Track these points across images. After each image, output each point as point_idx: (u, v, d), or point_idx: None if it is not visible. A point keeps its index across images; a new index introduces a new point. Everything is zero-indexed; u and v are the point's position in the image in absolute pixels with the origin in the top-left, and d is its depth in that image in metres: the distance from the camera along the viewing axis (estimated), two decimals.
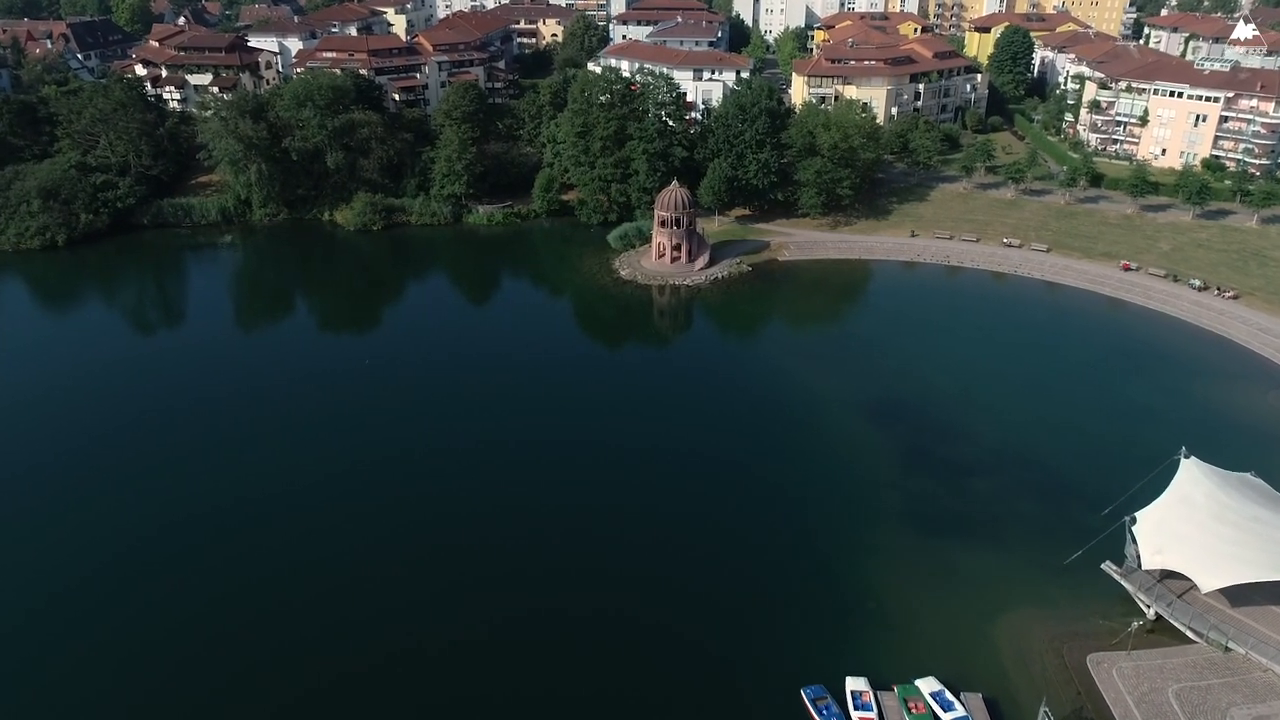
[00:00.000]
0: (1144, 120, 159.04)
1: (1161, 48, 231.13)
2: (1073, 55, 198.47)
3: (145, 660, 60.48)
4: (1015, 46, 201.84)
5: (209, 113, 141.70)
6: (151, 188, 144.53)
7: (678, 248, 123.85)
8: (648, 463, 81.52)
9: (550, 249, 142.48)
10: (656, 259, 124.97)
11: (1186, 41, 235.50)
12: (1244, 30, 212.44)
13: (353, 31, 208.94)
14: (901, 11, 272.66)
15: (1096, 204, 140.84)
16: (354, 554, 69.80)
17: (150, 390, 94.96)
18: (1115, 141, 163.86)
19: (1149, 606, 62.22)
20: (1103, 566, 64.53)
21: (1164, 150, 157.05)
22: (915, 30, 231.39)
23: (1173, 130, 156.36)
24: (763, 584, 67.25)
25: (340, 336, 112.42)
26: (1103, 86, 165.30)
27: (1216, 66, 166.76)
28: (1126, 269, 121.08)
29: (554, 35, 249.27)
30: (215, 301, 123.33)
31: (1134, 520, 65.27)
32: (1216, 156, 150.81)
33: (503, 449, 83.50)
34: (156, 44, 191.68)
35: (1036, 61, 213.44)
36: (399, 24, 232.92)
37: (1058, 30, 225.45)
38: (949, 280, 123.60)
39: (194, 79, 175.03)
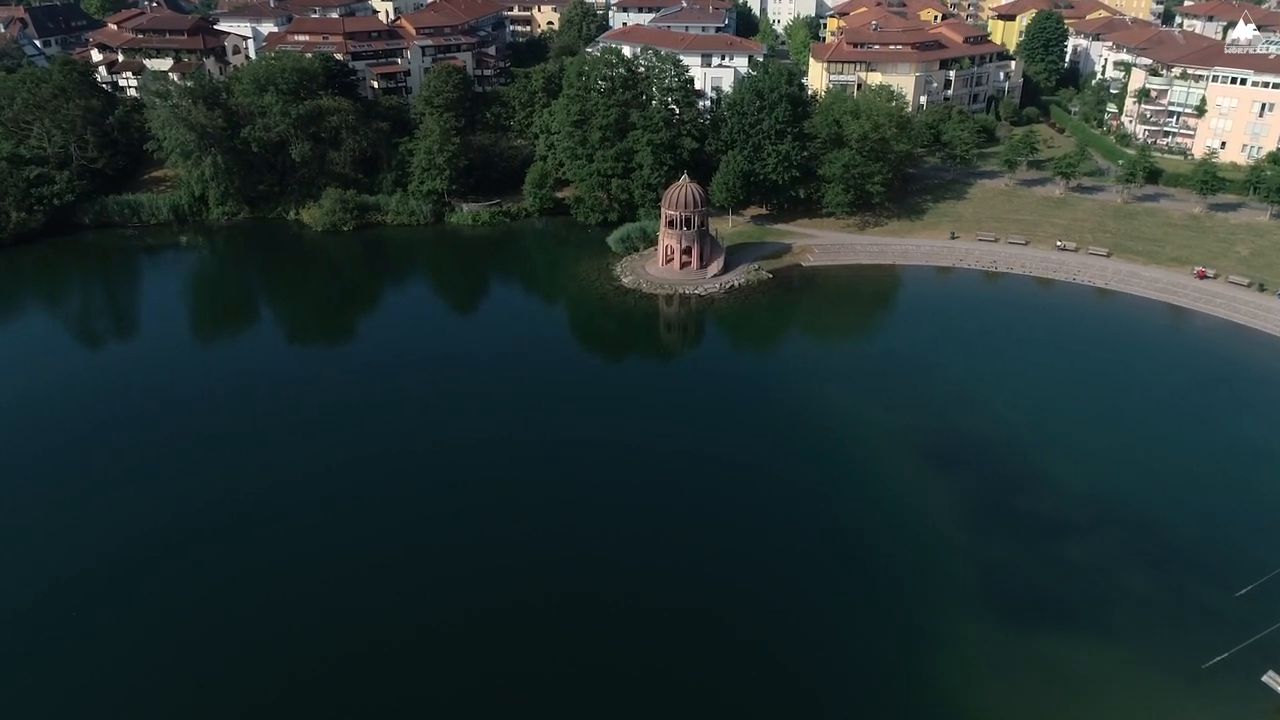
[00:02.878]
0: (1200, 110, 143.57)
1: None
2: (1110, 42, 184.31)
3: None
4: (1048, 33, 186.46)
5: (157, 98, 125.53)
6: (97, 183, 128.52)
7: (688, 251, 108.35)
8: (655, 531, 65.77)
9: (543, 253, 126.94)
10: (664, 264, 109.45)
11: (1225, 30, 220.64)
12: None
13: (335, 16, 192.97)
14: None
15: (1157, 202, 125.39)
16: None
17: (90, 405, 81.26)
18: (1167, 134, 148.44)
19: None
20: (1265, 679, 49.12)
21: (1223, 143, 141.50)
22: (936, 17, 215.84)
23: (1234, 121, 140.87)
24: (814, 699, 51.75)
25: (298, 359, 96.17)
26: (1152, 74, 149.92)
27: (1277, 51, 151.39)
28: (1203, 276, 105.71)
29: (550, 23, 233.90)
30: (157, 313, 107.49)
31: None
32: None
33: (474, 515, 67.98)
34: (114, 27, 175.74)
35: (1068, 50, 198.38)
36: (385, 9, 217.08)
37: (1088, 17, 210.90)
38: (998, 289, 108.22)
39: (153, 64, 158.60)
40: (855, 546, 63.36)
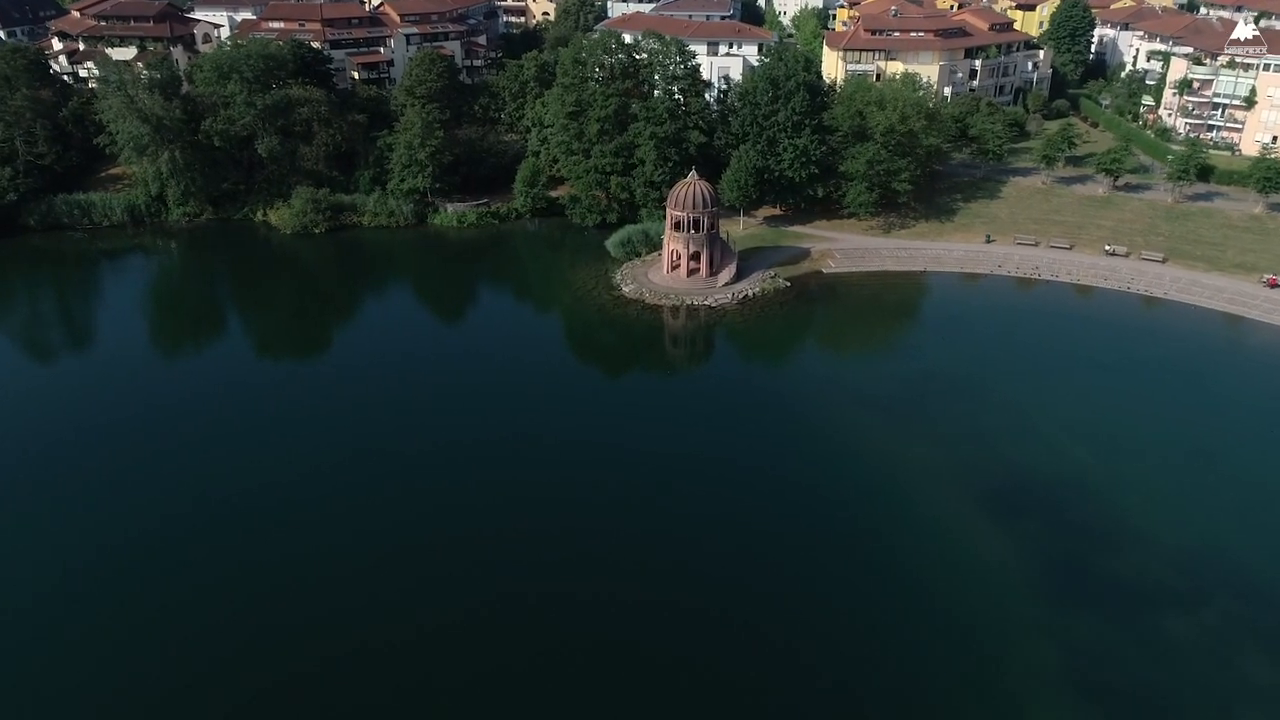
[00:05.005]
0: (1250, 102, 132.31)
1: None
2: (1140, 31, 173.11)
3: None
4: (1074, 22, 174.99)
5: (110, 87, 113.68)
6: (46, 181, 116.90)
7: (696, 257, 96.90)
8: (664, 594, 54.31)
9: (535, 258, 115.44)
10: (669, 271, 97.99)
11: (1256, 19, 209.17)
12: None
13: (313, 1, 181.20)
14: None
15: (1211, 201, 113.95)
16: None
17: (44, 420, 72.82)
18: (1211, 128, 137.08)
19: None
20: None
21: (1275, 137, 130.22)
22: (953, 5, 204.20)
23: None
24: None
25: (258, 380, 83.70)
26: (1195, 63, 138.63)
27: None
28: (1274, 285, 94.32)
29: (545, 14, 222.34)
30: (104, 324, 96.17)
31: None
32: None
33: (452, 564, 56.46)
34: (77, 14, 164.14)
35: (1094, 40, 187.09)
36: None
37: (1113, 6, 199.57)
38: (1044, 299, 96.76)
39: (116, 53, 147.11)
40: (907, 620, 51.81)
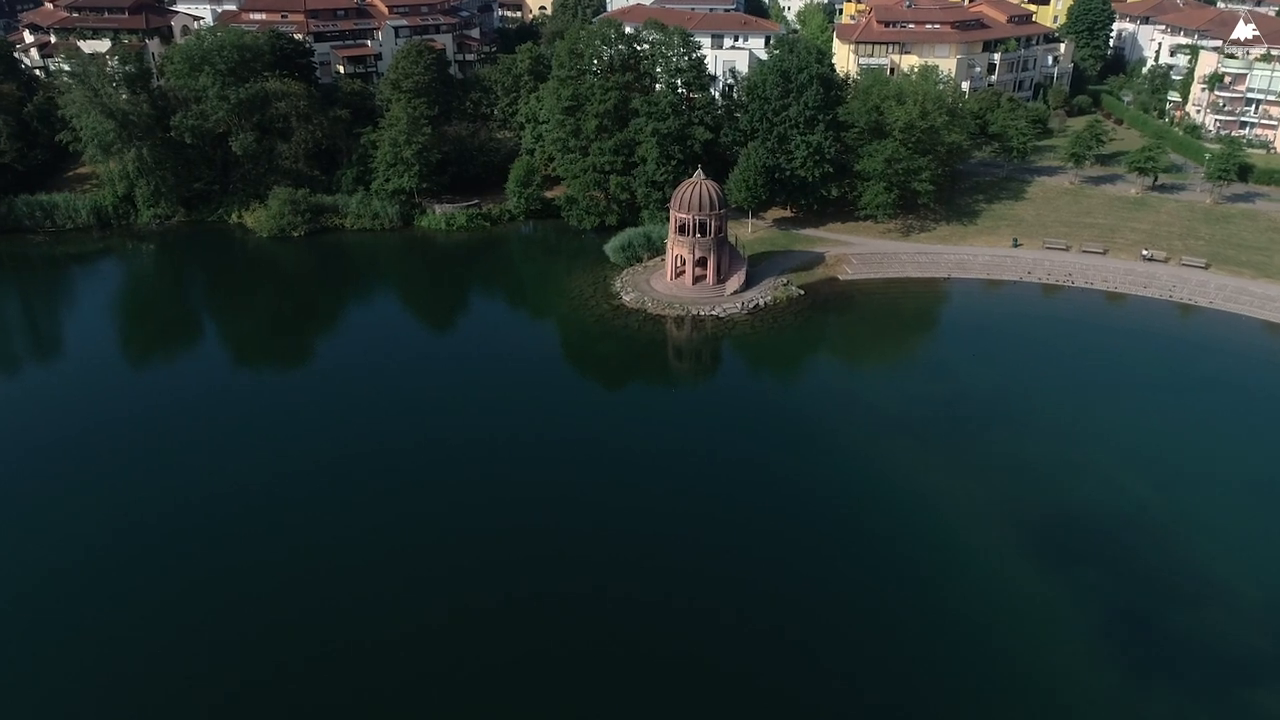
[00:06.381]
0: None
1: None
2: (1163, 25, 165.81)
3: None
4: (1093, 15, 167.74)
5: (73, 79, 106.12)
6: (7, 181, 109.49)
7: (702, 263, 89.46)
8: (670, 670, 46.90)
9: (528, 264, 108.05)
10: (673, 278, 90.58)
11: (1277, 13, 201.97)
12: None
13: None
14: None
15: (1252, 203, 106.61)
16: None
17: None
18: (1244, 125, 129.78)
19: None
20: None
21: None
22: None
23: None
24: None
25: (229, 389, 76.10)
26: (1228, 56, 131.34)
27: None
28: None
29: (542, 8, 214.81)
30: (67, 334, 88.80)
31: None
32: None
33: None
34: (50, 5, 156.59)
35: (1112, 34, 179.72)
36: None
37: (1130, 0, 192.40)
38: (1080, 309, 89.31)
39: (89, 46, 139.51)
40: (954, 694, 44.37)
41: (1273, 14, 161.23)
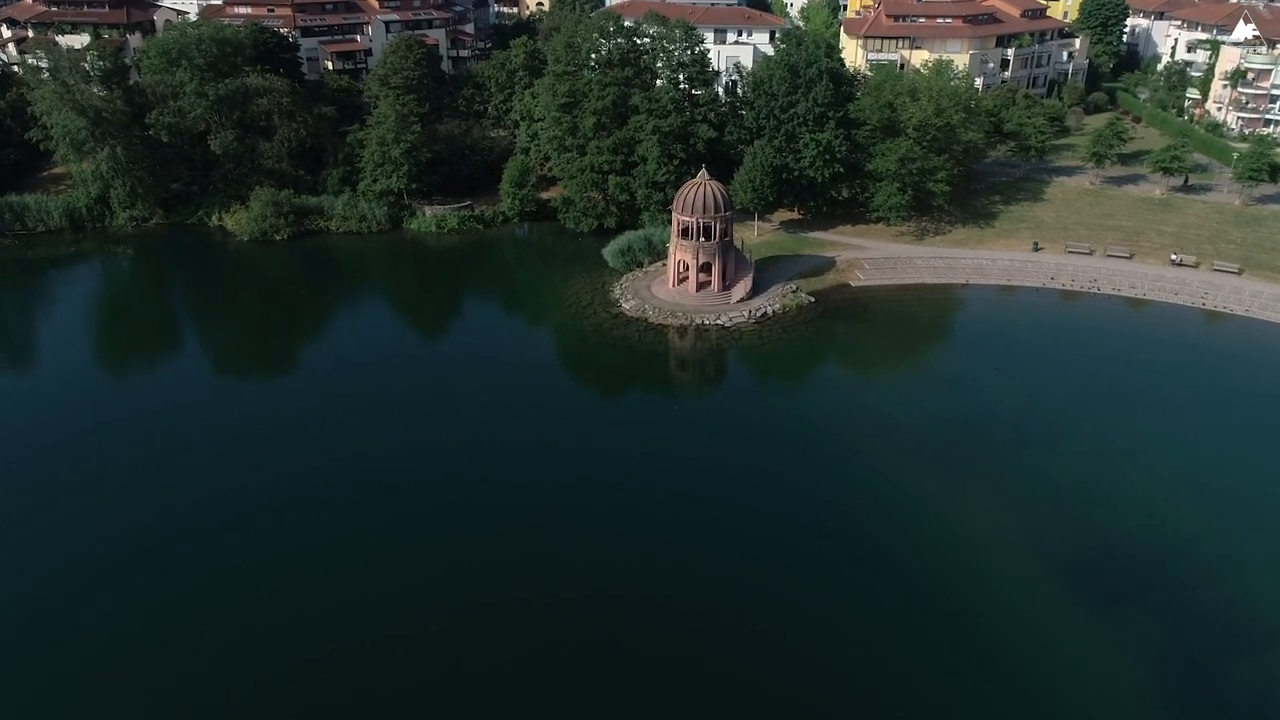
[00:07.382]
0: None
1: None
2: (1178, 20, 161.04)
3: None
4: (1106, 10, 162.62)
5: (43, 74, 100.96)
6: None
7: (706, 268, 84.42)
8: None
9: (523, 269, 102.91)
10: (676, 285, 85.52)
11: None
12: None
13: None
14: None
15: None
16: None
17: None
18: (1268, 122, 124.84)
19: None
20: None
21: None
22: None
23: None
24: None
25: (210, 398, 70.57)
26: (1252, 52, 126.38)
27: None
28: None
29: (539, 4, 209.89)
30: (38, 343, 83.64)
31: None
32: None
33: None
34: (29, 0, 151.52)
35: (1126, 31, 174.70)
36: None
37: None
38: (1108, 318, 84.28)
39: (68, 41, 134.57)
40: None
41: None
